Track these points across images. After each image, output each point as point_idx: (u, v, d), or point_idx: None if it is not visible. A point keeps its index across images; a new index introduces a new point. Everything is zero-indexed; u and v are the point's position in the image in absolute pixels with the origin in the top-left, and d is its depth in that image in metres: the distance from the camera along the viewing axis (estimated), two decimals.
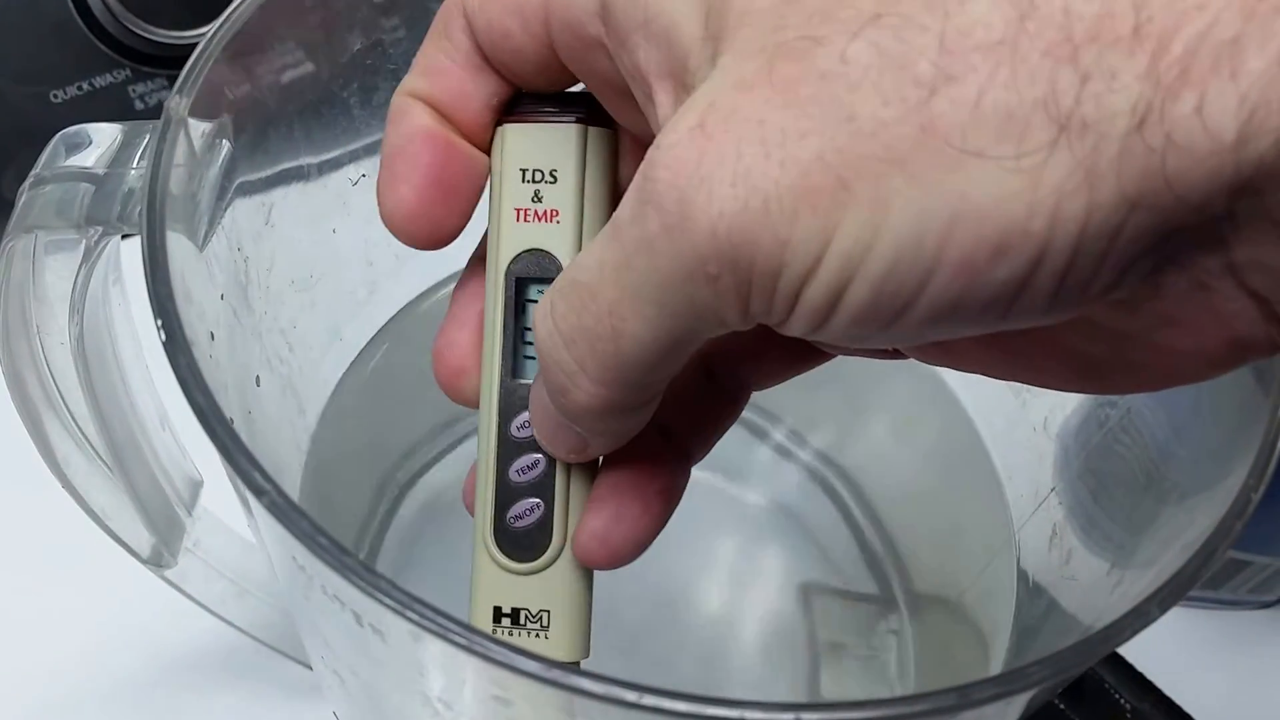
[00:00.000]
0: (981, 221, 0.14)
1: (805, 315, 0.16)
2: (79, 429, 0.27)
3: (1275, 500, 0.38)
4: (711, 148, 0.15)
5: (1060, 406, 0.29)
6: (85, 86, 0.42)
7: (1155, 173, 0.13)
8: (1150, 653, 0.41)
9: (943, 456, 0.34)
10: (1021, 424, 0.30)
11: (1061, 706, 0.40)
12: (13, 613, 0.38)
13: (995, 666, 0.30)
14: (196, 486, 0.31)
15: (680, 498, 0.23)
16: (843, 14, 0.15)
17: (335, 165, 0.29)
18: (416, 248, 0.21)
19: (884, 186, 0.14)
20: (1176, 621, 0.42)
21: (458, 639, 0.15)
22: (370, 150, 0.29)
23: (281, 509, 0.17)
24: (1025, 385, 0.30)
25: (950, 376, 0.34)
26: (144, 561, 0.31)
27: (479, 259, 0.23)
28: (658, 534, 0.22)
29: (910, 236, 0.14)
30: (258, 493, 0.17)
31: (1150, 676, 0.40)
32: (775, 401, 0.37)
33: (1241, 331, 0.16)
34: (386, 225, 0.20)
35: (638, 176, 0.16)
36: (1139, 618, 0.18)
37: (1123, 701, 0.40)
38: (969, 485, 0.33)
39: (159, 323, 0.19)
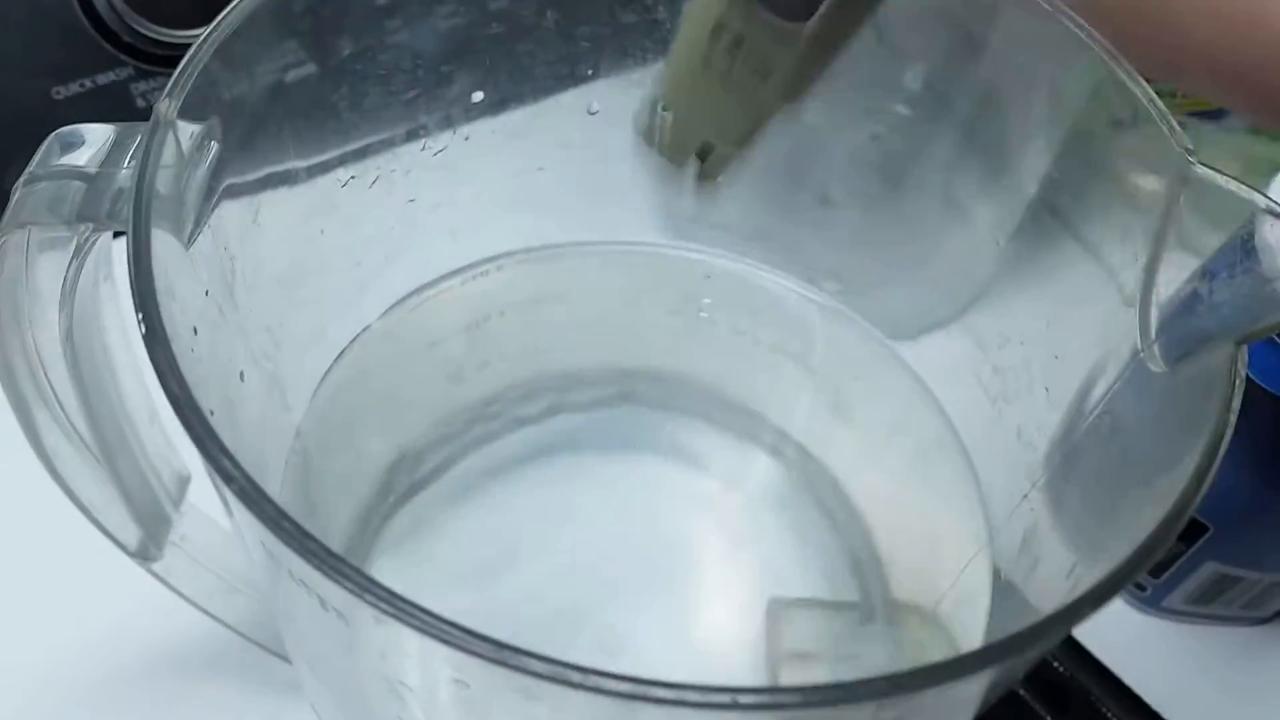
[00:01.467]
0: None
1: None
2: (69, 421, 0.28)
3: (1265, 516, 0.39)
4: None
5: (1034, 413, 0.29)
6: (88, 84, 0.43)
7: None
8: (1140, 667, 0.41)
9: (924, 461, 0.35)
10: (996, 430, 0.31)
11: (1047, 718, 0.40)
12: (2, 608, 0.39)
13: None
14: (184, 482, 0.32)
15: None
16: None
17: (324, 168, 0.29)
18: None
19: None
20: (1168, 636, 0.43)
21: (413, 620, 0.16)
22: (359, 153, 0.30)
23: (250, 495, 0.18)
24: (1000, 392, 0.31)
25: (933, 379, 0.35)
26: (131, 554, 0.31)
27: None
28: None
29: None
30: (227, 479, 0.18)
31: (1140, 691, 0.41)
32: (760, 402, 0.38)
33: None
34: None
35: None
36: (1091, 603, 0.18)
37: (1109, 715, 0.41)
38: (948, 491, 0.33)
39: (139, 315, 0.19)
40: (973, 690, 0.20)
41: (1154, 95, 0.24)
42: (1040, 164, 0.30)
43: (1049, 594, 0.26)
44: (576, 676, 0.16)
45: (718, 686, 0.16)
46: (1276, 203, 0.21)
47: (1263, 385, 0.36)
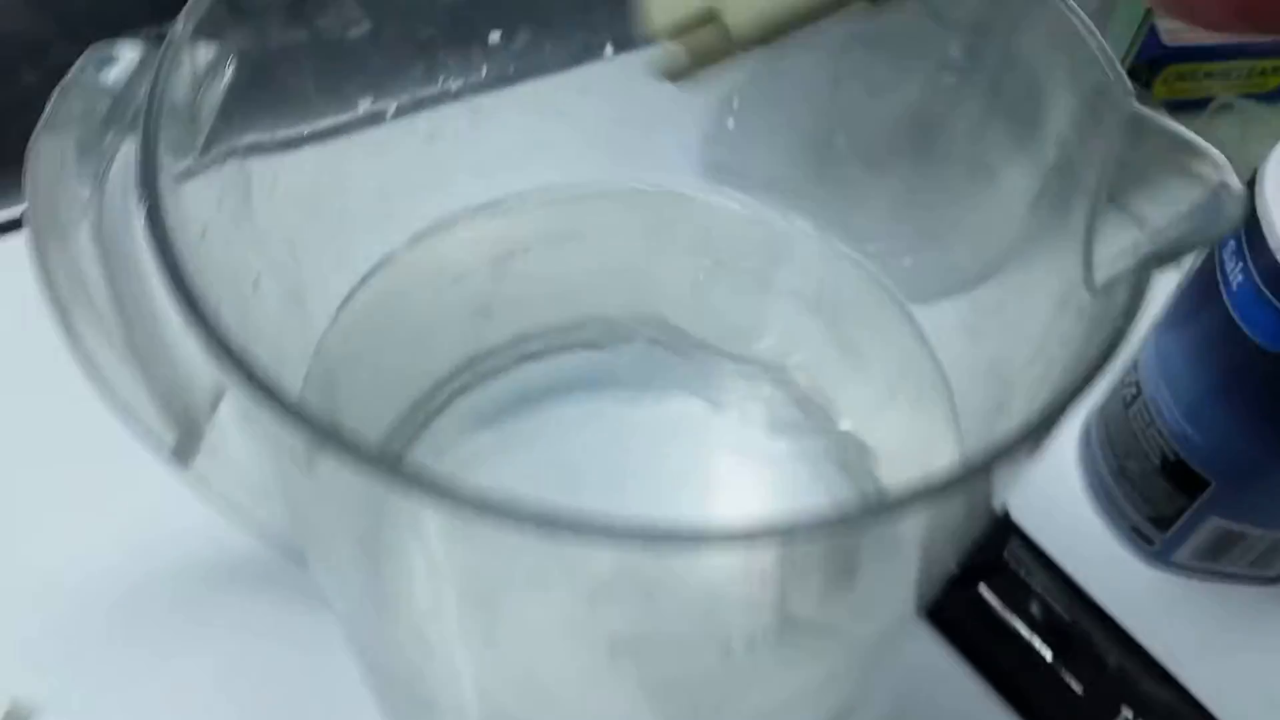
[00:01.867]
0: None
1: None
2: (106, 322, 0.30)
3: (1265, 473, 0.39)
4: None
5: (1003, 346, 0.30)
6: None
7: None
8: (1146, 619, 0.42)
9: (918, 400, 0.36)
10: (974, 365, 0.32)
11: (1050, 660, 0.41)
12: (43, 519, 0.41)
13: None
14: (218, 396, 0.34)
15: None
16: None
17: (343, 98, 0.31)
18: None
19: None
20: (1176, 591, 0.43)
21: (349, 451, 0.18)
22: (377, 86, 0.31)
23: (217, 343, 0.19)
24: (976, 322, 0.32)
25: (926, 322, 0.36)
26: (167, 457, 0.34)
27: None
28: None
29: None
30: (200, 328, 0.20)
31: (1142, 640, 0.42)
32: (773, 343, 0.39)
33: None
34: None
35: None
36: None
37: (1108, 659, 0.42)
38: (939, 427, 0.34)
39: (141, 196, 0.21)
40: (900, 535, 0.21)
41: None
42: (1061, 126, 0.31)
43: None
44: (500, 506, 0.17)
45: (631, 527, 0.17)
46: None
47: (1261, 344, 0.36)
